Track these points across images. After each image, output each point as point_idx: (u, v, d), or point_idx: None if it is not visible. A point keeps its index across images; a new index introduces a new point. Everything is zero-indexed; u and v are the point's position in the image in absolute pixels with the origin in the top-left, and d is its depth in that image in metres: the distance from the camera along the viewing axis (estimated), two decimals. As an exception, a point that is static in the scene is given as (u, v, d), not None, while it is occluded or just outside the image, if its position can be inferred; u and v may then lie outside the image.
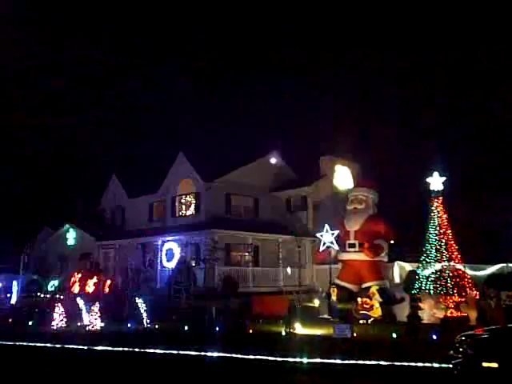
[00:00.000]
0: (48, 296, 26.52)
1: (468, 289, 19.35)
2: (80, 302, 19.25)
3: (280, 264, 26.12)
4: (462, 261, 20.54)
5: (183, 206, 29.89)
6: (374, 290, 17.77)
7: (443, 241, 20.51)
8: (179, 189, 29.91)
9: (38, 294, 28.49)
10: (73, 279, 24.47)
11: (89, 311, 18.35)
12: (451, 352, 9.06)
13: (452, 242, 20.64)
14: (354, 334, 12.91)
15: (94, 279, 23.59)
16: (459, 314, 17.66)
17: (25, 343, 15.31)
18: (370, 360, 10.45)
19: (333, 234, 20.76)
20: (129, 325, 17.63)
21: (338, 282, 20.06)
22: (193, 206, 29.13)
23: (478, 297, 18.41)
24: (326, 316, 18.30)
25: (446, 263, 19.97)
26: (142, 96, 72.64)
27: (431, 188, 21.21)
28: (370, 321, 16.94)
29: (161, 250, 26.60)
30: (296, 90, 68.54)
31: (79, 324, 18.43)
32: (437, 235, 20.63)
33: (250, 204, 29.99)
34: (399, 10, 70.57)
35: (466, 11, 61.70)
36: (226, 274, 24.53)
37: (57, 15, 72.88)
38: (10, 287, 29.18)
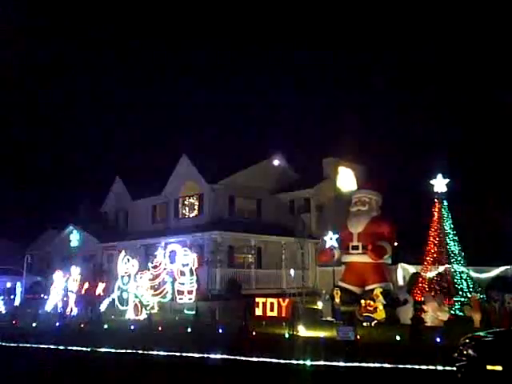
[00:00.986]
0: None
1: (471, 291, 19.28)
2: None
3: (283, 266, 26.10)
4: (466, 263, 20.48)
5: (186, 208, 29.90)
6: (377, 292, 17.68)
7: (447, 243, 20.46)
8: (182, 190, 29.94)
9: (42, 295, 28.55)
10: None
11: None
12: (455, 355, 9.00)
13: (455, 244, 20.60)
14: (358, 337, 12.83)
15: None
16: (463, 316, 17.59)
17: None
18: (373, 362, 10.40)
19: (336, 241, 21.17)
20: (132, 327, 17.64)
21: (341, 284, 19.98)
22: (196, 208, 29.15)
23: (481, 299, 18.34)
24: (329, 318, 18.23)
25: (450, 265, 19.92)
26: (143, 96, 72.83)
27: (435, 190, 21.18)
28: (373, 323, 16.88)
29: (164, 252, 26.56)
30: (298, 92, 68.66)
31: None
32: (440, 237, 20.59)
33: (253, 206, 29.99)
34: (399, 10, 70.56)
35: (469, 11, 61.62)
36: (228, 275, 24.54)
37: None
38: (13, 288, 29.25)
